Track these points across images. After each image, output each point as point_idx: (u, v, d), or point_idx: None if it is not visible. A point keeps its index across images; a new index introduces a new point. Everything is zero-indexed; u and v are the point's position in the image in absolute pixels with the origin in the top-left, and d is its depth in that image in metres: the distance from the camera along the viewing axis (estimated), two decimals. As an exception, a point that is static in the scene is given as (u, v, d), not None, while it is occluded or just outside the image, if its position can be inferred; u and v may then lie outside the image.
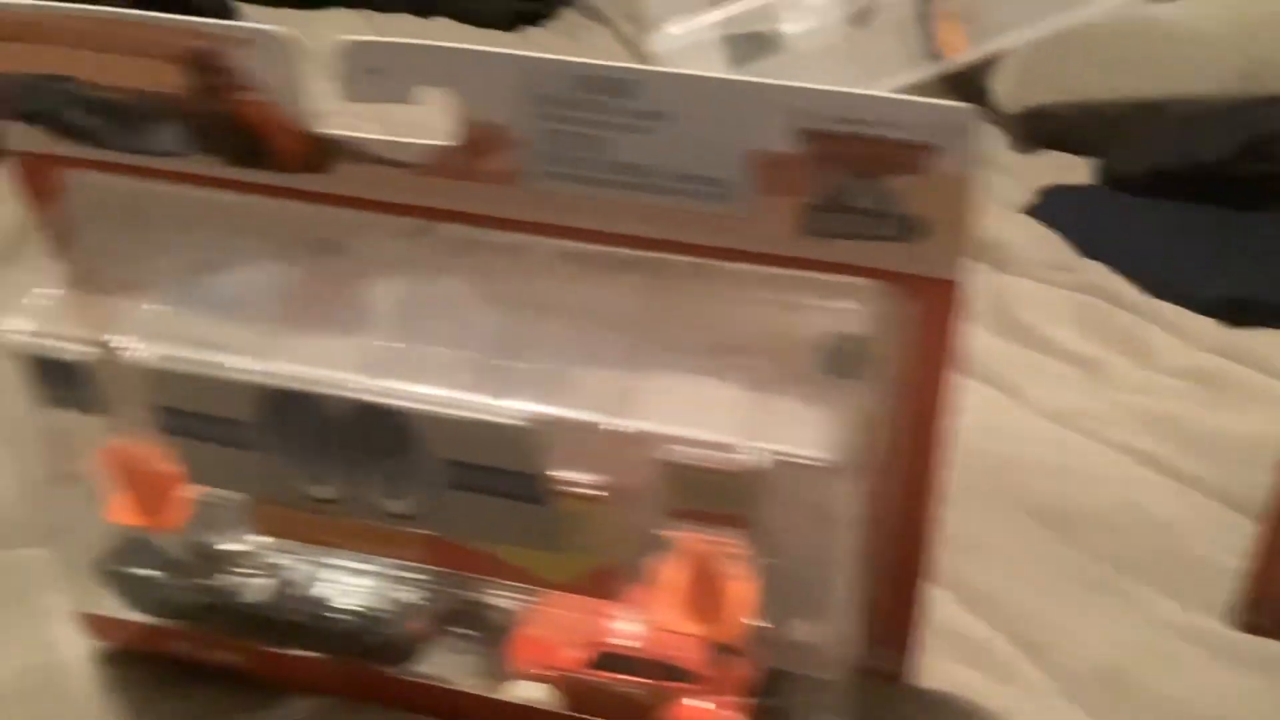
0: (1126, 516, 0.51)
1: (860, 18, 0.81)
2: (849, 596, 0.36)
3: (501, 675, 0.43)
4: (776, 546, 0.36)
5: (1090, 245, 0.70)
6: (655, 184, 0.35)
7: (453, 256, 0.38)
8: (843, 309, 0.35)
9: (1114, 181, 0.77)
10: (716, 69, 0.84)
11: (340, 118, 0.37)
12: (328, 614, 0.43)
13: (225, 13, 1.00)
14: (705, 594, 0.37)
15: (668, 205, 0.35)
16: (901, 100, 0.32)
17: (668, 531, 0.36)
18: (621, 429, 0.34)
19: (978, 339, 0.62)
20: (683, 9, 0.87)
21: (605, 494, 0.36)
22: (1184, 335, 0.63)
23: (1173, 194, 0.73)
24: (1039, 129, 0.83)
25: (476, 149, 0.36)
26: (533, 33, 1.08)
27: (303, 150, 0.38)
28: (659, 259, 0.36)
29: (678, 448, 0.34)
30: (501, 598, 0.42)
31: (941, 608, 0.46)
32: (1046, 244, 0.71)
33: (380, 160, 0.37)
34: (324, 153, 0.38)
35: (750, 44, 0.84)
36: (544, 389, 0.35)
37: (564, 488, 0.36)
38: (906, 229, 0.33)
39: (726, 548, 0.36)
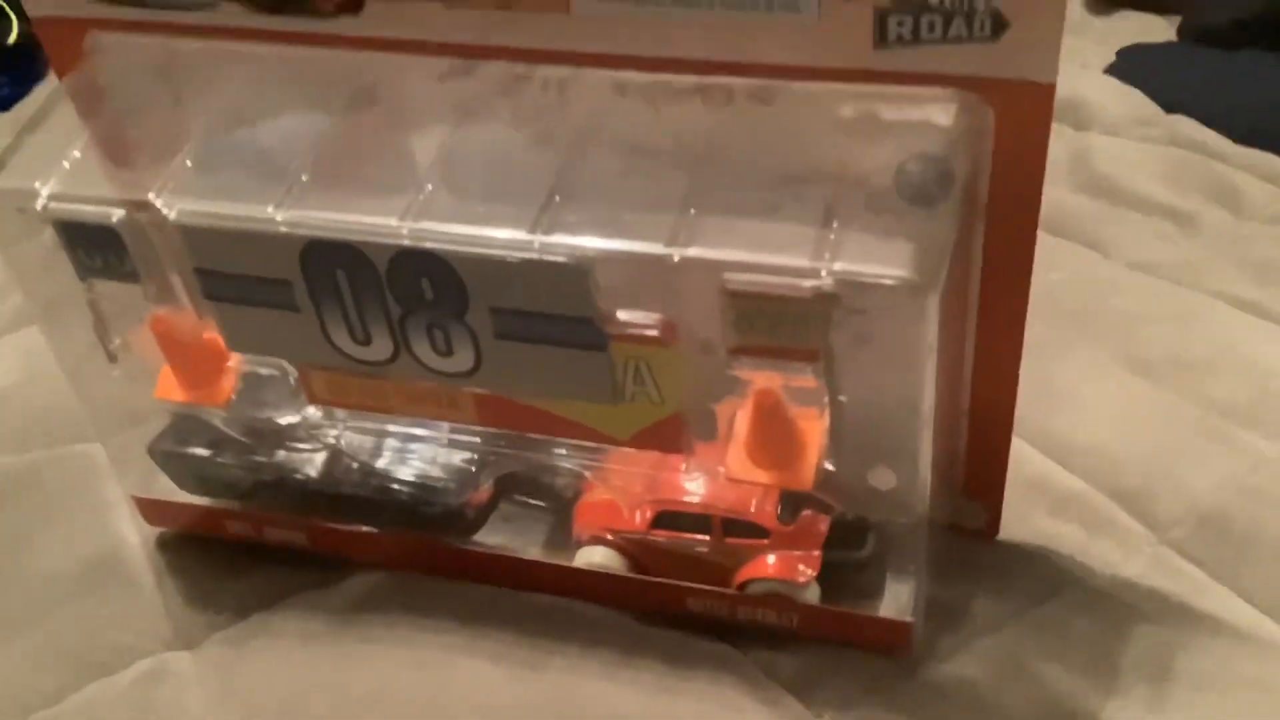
0: (1225, 361, 0.48)
1: None
2: (927, 436, 0.34)
3: (567, 542, 0.42)
4: (849, 382, 0.34)
5: (1173, 101, 0.66)
6: (713, -4, 0.32)
7: (496, 97, 0.36)
8: (921, 127, 0.32)
9: (1196, 36, 0.73)
10: None
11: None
12: (386, 486, 0.41)
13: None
14: (775, 439, 0.35)
15: (730, 21, 0.32)
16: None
17: (734, 372, 0.34)
18: (676, 257, 0.32)
19: (1061, 198, 0.58)
20: None
21: (665, 334, 0.34)
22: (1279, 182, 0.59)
23: (1256, 43, 0.69)
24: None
25: (517, -28, 0.34)
26: None
27: (333, -11, 0.36)
28: (721, 85, 0.34)
29: (739, 275, 0.31)
30: (563, 461, 0.40)
31: (1033, 462, 0.44)
32: (1129, 101, 0.67)
33: (416, -7, 0.35)
34: (355, -9, 0.36)
35: None
36: (597, 230, 0.33)
37: (621, 330, 0.34)
38: (992, 25, 0.30)
39: (796, 386, 0.34)
